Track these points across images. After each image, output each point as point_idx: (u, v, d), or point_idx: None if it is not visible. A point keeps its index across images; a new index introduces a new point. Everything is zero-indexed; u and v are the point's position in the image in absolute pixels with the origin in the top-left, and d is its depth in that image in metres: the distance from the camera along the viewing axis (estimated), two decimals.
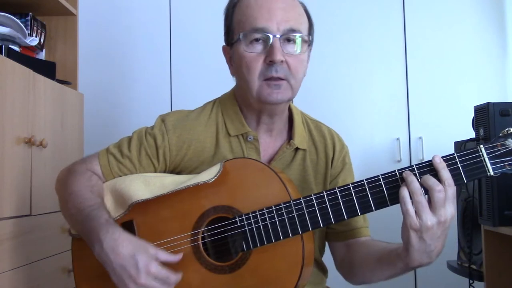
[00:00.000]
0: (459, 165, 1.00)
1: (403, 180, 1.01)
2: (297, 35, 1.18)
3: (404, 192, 0.99)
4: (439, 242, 1.00)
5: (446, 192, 0.98)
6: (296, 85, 1.20)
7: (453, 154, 1.01)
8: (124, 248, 1.06)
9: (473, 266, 2.01)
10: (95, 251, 1.09)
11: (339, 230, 1.29)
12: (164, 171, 1.27)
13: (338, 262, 1.31)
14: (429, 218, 0.97)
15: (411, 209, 0.98)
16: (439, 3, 2.78)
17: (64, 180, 1.26)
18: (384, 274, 1.14)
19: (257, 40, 1.17)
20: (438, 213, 0.98)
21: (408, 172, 1.01)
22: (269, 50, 1.15)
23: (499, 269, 1.87)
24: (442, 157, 1.01)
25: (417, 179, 1.00)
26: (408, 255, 1.02)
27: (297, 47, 1.18)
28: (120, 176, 1.25)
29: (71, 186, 1.21)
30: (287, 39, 1.17)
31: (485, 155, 0.99)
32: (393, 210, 1.09)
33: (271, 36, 1.15)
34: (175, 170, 1.27)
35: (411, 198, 0.99)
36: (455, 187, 0.99)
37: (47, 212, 1.79)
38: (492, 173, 0.99)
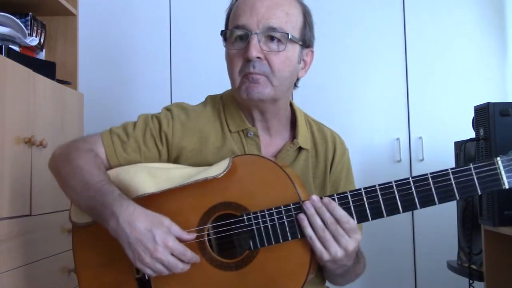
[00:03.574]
0: (474, 176, 0.98)
1: (417, 188, 1.02)
2: (277, 33, 1.17)
3: (308, 229, 1.05)
4: (351, 257, 1.10)
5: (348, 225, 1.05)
6: (278, 82, 1.19)
7: (469, 165, 0.99)
8: (141, 223, 1.05)
9: (473, 266, 2.01)
10: (109, 226, 1.07)
11: None
12: (167, 159, 1.26)
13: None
14: (338, 250, 1.04)
15: (318, 245, 1.05)
16: (439, 3, 2.78)
17: (66, 155, 1.22)
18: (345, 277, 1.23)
19: (240, 38, 1.19)
20: (343, 245, 1.04)
21: (309, 204, 1.05)
22: (245, 47, 1.17)
23: (499, 269, 1.86)
24: (454, 168, 1.00)
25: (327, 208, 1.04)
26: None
27: (278, 45, 1.18)
28: (124, 157, 1.23)
29: (75, 161, 1.18)
30: (270, 37, 1.17)
31: (501, 167, 0.97)
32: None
33: (249, 33, 1.17)
34: (178, 160, 1.26)
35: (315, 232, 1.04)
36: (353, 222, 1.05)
37: (47, 212, 1.79)
38: (507, 186, 0.97)
